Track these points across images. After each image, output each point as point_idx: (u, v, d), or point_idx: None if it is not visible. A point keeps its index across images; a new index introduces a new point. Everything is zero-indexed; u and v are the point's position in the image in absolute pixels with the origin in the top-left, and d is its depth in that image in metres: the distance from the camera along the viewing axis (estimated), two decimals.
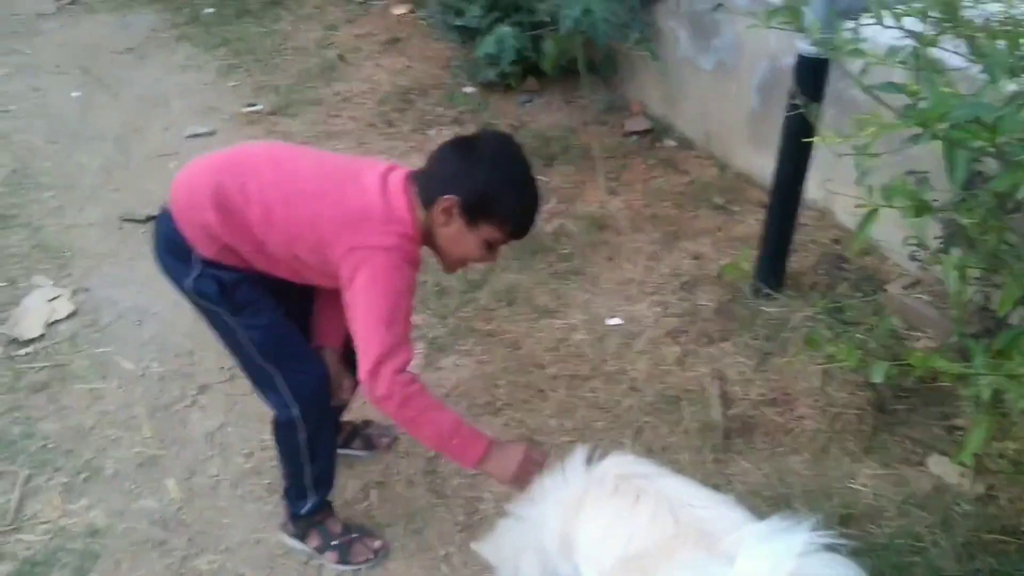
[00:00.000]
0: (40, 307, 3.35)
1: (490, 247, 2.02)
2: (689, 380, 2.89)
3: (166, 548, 2.43)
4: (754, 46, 3.75)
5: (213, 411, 2.89)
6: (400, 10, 6.07)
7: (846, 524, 2.34)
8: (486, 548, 1.97)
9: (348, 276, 1.90)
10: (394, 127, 4.68)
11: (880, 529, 2.33)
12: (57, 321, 3.31)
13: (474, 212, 1.93)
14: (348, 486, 2.59)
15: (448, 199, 1.90)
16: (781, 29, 1.66)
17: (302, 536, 2.38)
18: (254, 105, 5.01)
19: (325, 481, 2.34)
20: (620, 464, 1.77)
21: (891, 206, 1.55)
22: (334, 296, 2.30)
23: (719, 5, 3.33)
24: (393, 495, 2.58)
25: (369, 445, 2.71)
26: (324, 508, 2.37)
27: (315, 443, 2.21)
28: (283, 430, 2.21)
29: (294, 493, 2.33)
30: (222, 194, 1.93)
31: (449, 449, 2.01)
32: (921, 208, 1.59)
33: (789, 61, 3.02)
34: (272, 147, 2.16)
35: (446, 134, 4.42)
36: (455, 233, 1.96)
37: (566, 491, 1.79)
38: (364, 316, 1.90)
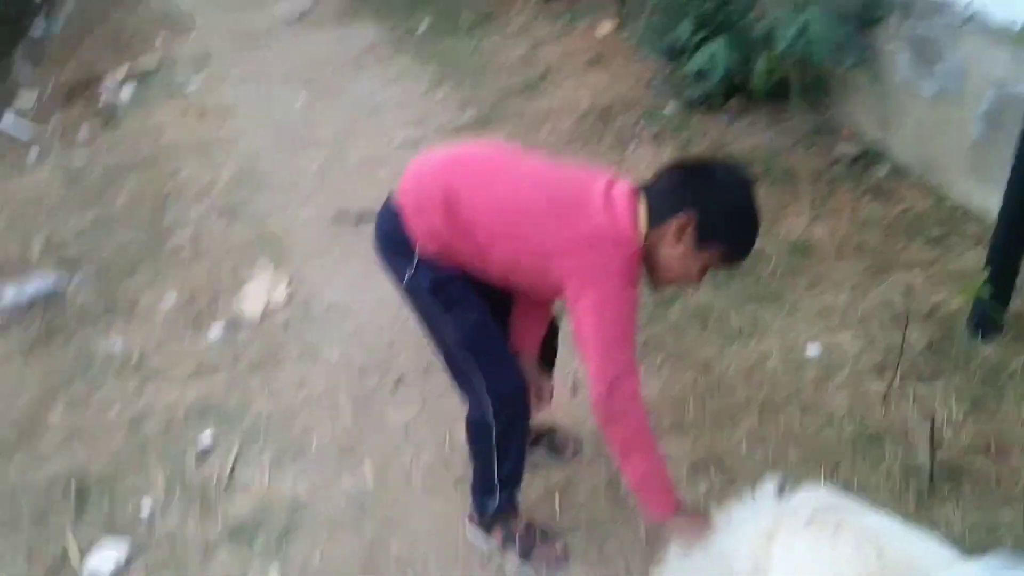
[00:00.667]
0: (260, 293, 3.62)
1: (704, 269, 2.01)
2: (894, 419, 2.74)
3: (359, 529, 2.56)
4: (981, 72, 3.52)
5: (408, 404, 3.02)
6: (605, 29, 6.12)
7: None
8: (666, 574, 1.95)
9: (574, 296, 1.92)
10: (592, 143, 4.73)
11: None
12: (274, 307, 3.57)
13: (707, 233, 1.91)
14: (533, 488, 2.63)
15: (688, 216, 1.89)
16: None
17: (487, 530, 2.44)
18: (460, 118, 5.20)
19: (514, 481, 2.38)
20: (816, 497, 1.70)
21: None
22: (533, 303, 2.36)
23: (969, 18, 3.14)
24: (576, 502, 2.60)
25: (554, 450, 2.74)
26: (511, 506, 2.42)
27: (505, 444, 2.25)
28: (475, 428, 2.28)
29: (482, 489, 2.38)
30: (452, 200, 1.99)
31: (651, 488, 2.03)
32: None
33: (1020, 88, 2.82)
34: (497, 152, 2.20)
35: (645, 152, 4.43)
36: (681, 253, 1.94)
37: (758, 521, 1.74)
38: (595, 337, 1.91)
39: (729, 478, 2.60)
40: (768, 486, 1.79)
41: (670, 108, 4.94)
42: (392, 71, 5.96)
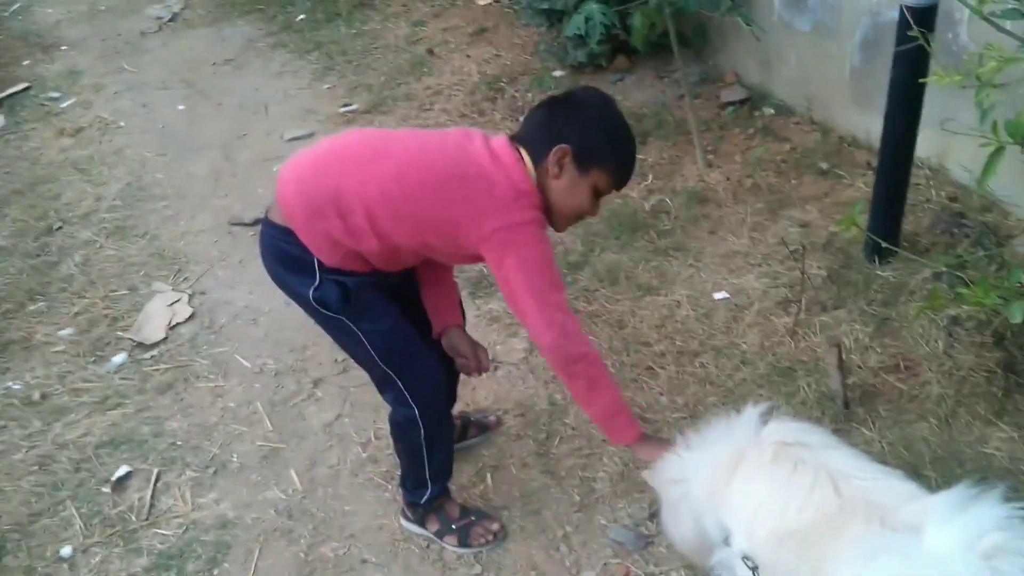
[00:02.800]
0: (161, 312, 3.50)
1: (597, 196, 2.02)
2: (803, 351, 2.81)
3: (293, 536, 2.51)
4: (853, 3, 3.61)
5: (329, 403, 2.97)
6: (485, 0, 6.08)
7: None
8: (654, 477, 1.97)
9: (498, 256, 1.91)
10: (486, 116, 4.70)
11: (1018, 495, 2.20)
12: (178, 324, 3.45)
13: (585, 158, 1.93)
14: (463, 471, 2.62)
15: (561, 149, 1.91)
16: None
17: (421, 521, 2.42)
18: (349, 105, 5.10)
19: (444, 472, 2.38)
20: (783, 430, 1.70)
21: (1017, 143, 1.46)
22: (438, 277, 2.33)
23: None
24: (508, 477, 2.60)
25: (483, 428, 2.74)
26: (442, 494, 2.41)
27: (433, 439, 2.25)
28: (400, 428, 2.26)
29: (412, 484, 2.37)
30: (342, 200, 1.91)
31: (616, 418, 2.06)
32: None
33: (892, 15, 2.89)
34: (365, 135, 2.13)
35: None
36: (567, 184, 1.96)
37: (725, 447, 1.75)
38: (531, 287, 1.90)
39: (653, 429, 2.63)
40: (747, 414, 1.79)
41: (558, 73, 4.94)
42: (274, 66, 5.80)
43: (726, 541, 1.71)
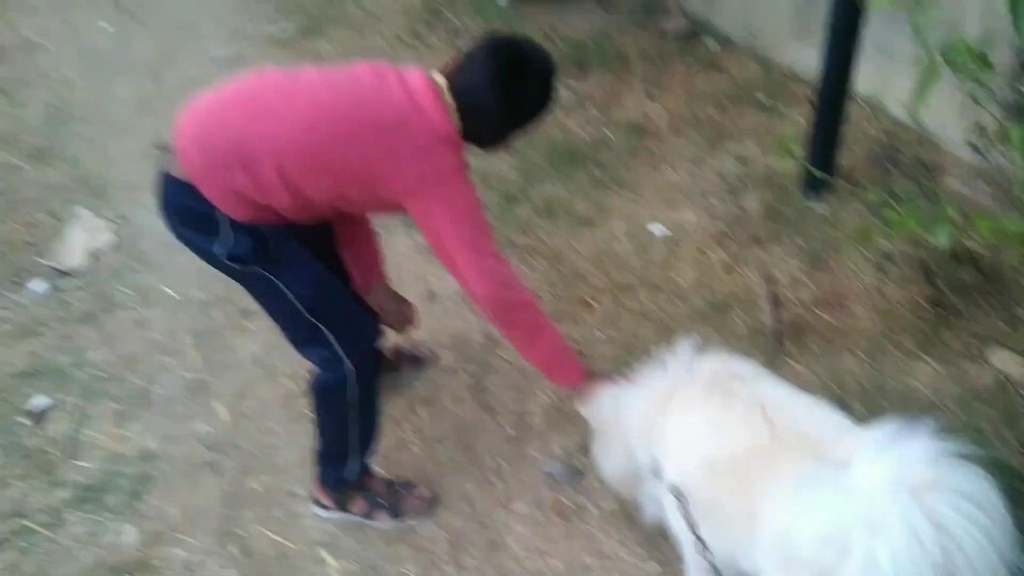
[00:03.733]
0: (83, 238, 3.36)
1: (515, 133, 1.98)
2: (738, 285, 2.82)
3: (219, 469, 2.46)
4: None
5: (258, 335, 2.89)
6: None
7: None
8: (588, 410, 1.97)
9: (422, 206, 1.81)
10: (423, 41, 4.56)
11: (941, 427, 2.25)
12: (99, 251, 3.32)
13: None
14: (396, 404, 2.58)
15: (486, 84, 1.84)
16: None
17: (342, 504, 2.25)
18: (281, 26, 4.91)
19: (370, 441, 2.21)
20: (716, 364, 1.70)
21: (950, 63, 1.43)
22: (355, 230, 2.22)
23: None
24: (442, 411, 2.57)
25: (416, 361, 2.69)
26: (366, 471, 2.25)
27: (365, 400, 2.09)
28: (328, 392, 2.06)
29: (335, 459, 2.18)
30: (247, 152, 1.76)
31: (560, 363, 2.01)
32: (982, 65, 1.47)
33: None
34: (270, 80, 1.88)
35: None
36: (490, 123, 1.91)
37: (660, 381, 1.74)
38: (459, 236, 1.82)
39: (588, 364, 2.62)
40: (682, 348, 1.78)
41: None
42: None
43: (656, 473, 1.71)
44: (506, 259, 1.94)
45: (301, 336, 2.01)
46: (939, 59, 1.44)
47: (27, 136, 4.14)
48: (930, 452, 1.21)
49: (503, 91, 1.86)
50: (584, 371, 2.03)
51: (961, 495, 1.16)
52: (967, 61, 1.43)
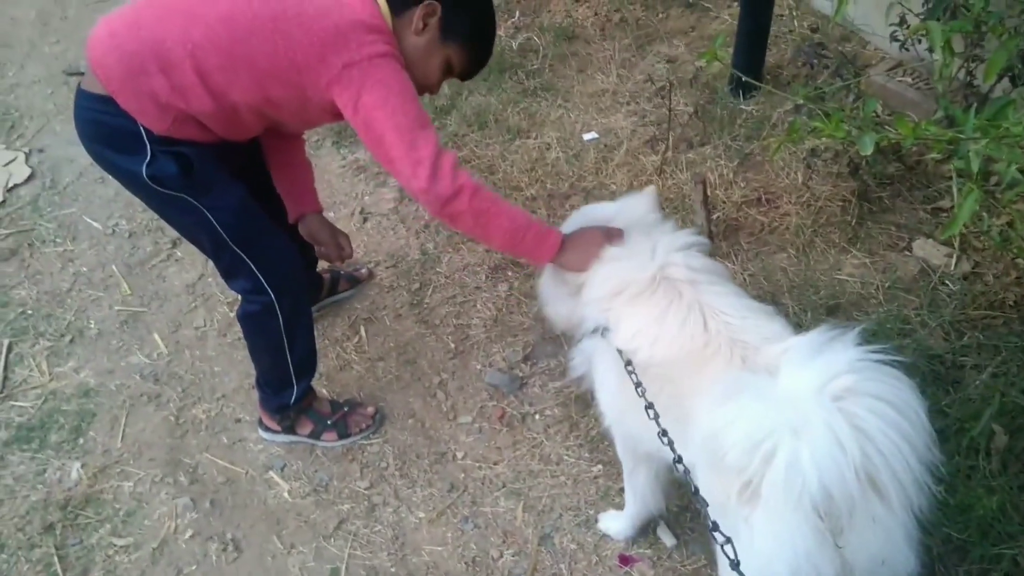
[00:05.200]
0: None
1: (446, 73, 1.88)
2: (671, 188, 2.83)
3: (161, 401, 2.44)
4: None
5: (189, 263, 2.84)
6: None
7: (833, 314, 2.35)
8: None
9: (352, 96, 1.69)
10: None
11: (868, 316, 2.34)
12: (16, 186, 3.19)
13: (450, 26, 1.79)
14: (336, 325, 2.58)
15: (431, 4, 1.75)
16: None
17: (292, 426, 2.27)
18: None
19: (308, 365, 2.20)
20: (678, 262, 1.66)
21: None
22: (289, 158, 2.15)
23: None
24: (383, 329, 2.58)
25: (354, 281, 2.68)
26: (309, 392, 2.26)
27: (293, 326, 2.06)
28: (256, 320, 2.04)
29: (276, 385, 2.19)
30: (165, 51, 1.67)
31: (523, 243, 1.79)
32: None
33: None
34: None
35: None
36: (425, 46, 1.80)
37: (622, 262, 1.71)
38: (394, 126, 1.69)
39: (526, 274, 2.64)
40: (661, 232, 1.76)
41: None
42: None
43: (602, 334, 1.70)
44: (447, 149, 1.80)
45: (223, 262, 1.96)
46: None
47: None
48: (853, 359, 1.25)
49: None
50: (559, 235, 1.81)
51: (881, 400, 1.20)
52: None
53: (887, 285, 2.41)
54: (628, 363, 1.59)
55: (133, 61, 1.67)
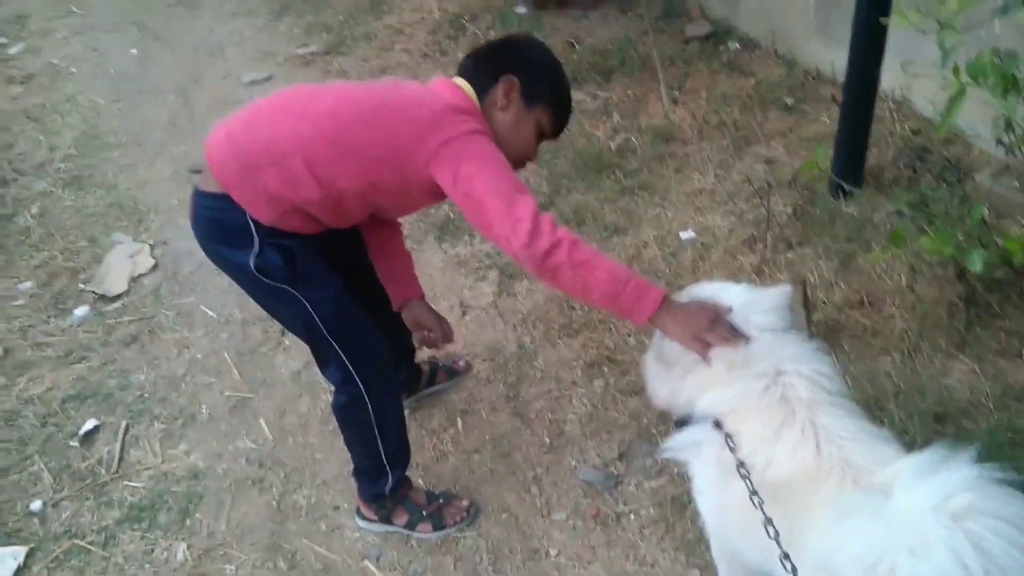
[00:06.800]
0: (123, 263, 3.44)
1: (539, 137, 2.00)
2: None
3: (264, 485, 2.52)
4: None
5: (297, 352, 2.95)
6: None
7: (941, 422, 2.28)
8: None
9: (451, 170, 1.78)
10: (448, 55, 4.61)
11: (977, 425, 2.26)
12: (141, 276, 3.40)
13: (531, 93, 1.92)
14: (433, 416, 2.63)
15: (509, 80, 1.89)
16: None
17: (388, 516, 2.32)
18: (307, 46, 4.98)
19: (401, 454, 2.27)
20: (801, 373, 1.59)
21: (978, 84, 1.45)
22: (390, 248, 2.26)
23: None
24: (479, 421, 2.61)
25: (452, 373, 2.74)
26: (405, 482, 2.32)
27: (383, 417, 2.14)
28: (347, 411, 2.14)
29: (371, 474, 2.25)
30: (276, 147, 1.81)
31: (623, 296, 1.74)
32: (1009, 85, 1.48)
33: None
34: (294, 89, 1.97)
35: None
36: (513, 118, 1.93)
37: (730, 354, 1.64)
38: (494, 192, 1.75)
39: (622, 371, 2.66)
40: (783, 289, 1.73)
41: (520, 8, 4.85)
42: (229, 5, 5.65)
43: (709, 424, 1.66)
44: (548, 213, 1.79)
45: (318, 350, 2.08)
46: (966, 78, 1.45)
47: (61, 163, 4.26)
48: (970, 478, 1.21)
49: (505, 60, 1.92)
50: (661, 291, 1.76)
51: (1001, 519, 1.16)
52: (995, 80, 1.44)
53: (998, 393, 2.33)
54: (746, 475, 1.55)
55: (248, 158, 1.82)
